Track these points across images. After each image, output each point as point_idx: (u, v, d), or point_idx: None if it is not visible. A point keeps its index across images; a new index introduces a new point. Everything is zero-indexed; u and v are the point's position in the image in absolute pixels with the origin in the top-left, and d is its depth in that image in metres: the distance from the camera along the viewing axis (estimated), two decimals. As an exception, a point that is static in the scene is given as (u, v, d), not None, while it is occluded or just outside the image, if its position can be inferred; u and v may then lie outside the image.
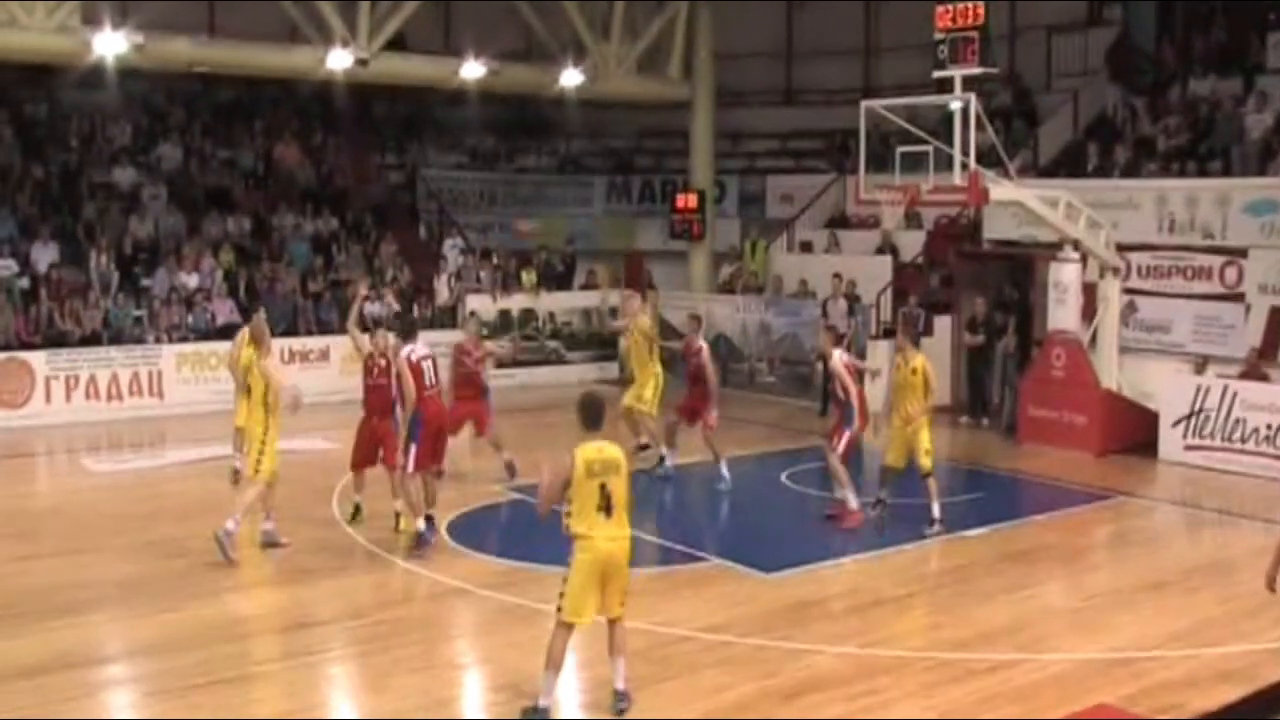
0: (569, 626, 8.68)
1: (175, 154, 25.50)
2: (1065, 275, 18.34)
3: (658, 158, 30.21)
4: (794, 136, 29.00)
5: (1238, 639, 10.37)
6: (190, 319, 21.66)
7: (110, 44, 19.69)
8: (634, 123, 30.22)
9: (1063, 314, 18.42)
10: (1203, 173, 20.52)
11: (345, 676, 10.03)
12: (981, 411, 20.28)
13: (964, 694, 9.26)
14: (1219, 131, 21.14)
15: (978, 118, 16.59)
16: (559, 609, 8.69)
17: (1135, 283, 19.76)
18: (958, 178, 16.70)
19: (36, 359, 19.92)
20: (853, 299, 22.04)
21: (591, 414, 8.90)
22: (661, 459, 16.20)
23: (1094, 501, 15.48)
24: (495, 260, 25.43)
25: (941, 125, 17.59)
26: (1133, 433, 17.86)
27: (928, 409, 13.85)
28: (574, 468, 8.57)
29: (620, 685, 8.86)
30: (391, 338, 13.72)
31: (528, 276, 25.10)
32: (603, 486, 8.59)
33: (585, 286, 26.57)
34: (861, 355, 20.93)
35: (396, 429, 13.42)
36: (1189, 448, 17.13)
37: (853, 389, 14.04)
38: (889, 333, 21.19)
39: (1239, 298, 18.93)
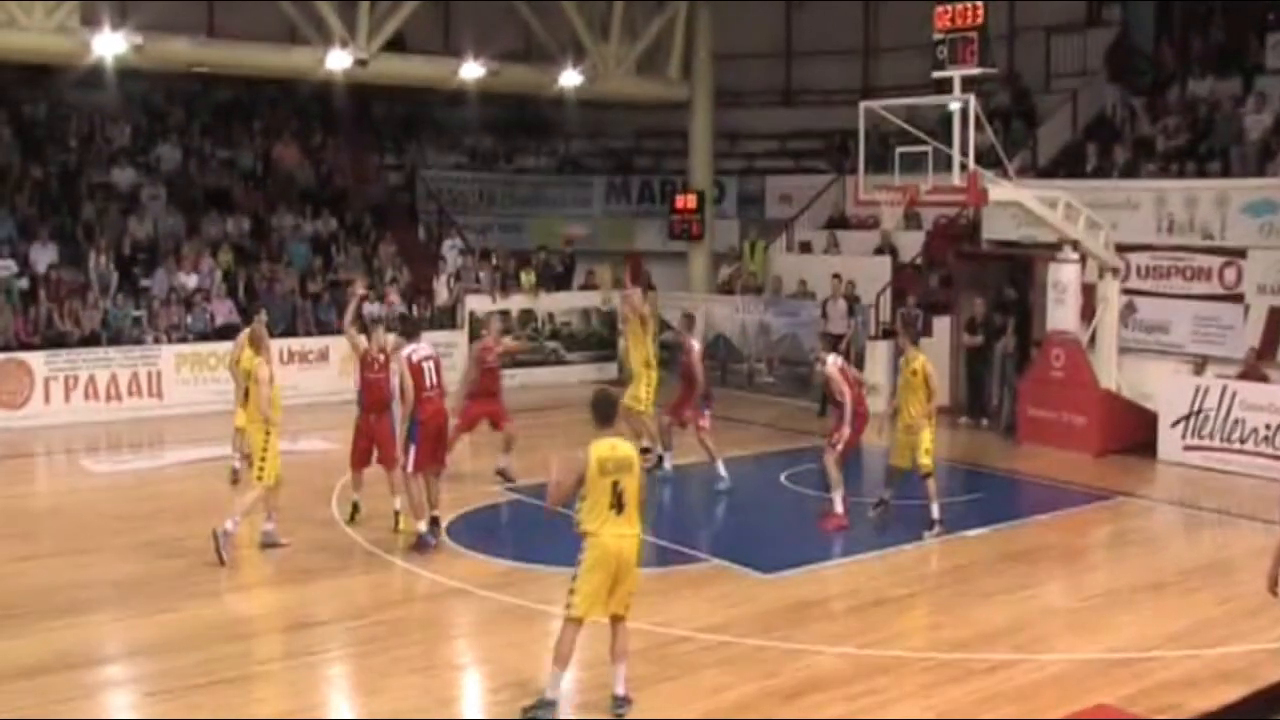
0: (578, 623, 8.71)
1: (174, 154, 25.50)
2: (1064, 276, 18.35)
3: (657, 158, 30.21)
4: (793, 137, 28.98)
5: (1237, 639, 10.38)
6: (189, 319, 21.65)
7: (109, 44, 19.68)
8: (633, 123, 30.23)
9: (1062, 314, 18.43)
10: (1202, 173, 20.53)
11: (345, 677, 10.03)
12: (981, 412, 20.29)
13: (963, 694, 9.27)
14: (1218, 132, 21.15)
15: (977, 118, 16.60)
16: (568, 605, 8.72)
17: (1134, 283, 19.77)
18: (957, 178, 16.71)
19: (36, 359, 19.90)
20: (852, 300, 22.06)
21: (604, 411, 8.97)
22: (660, 460, 16.22)
23: (1093, 502, 15.49)
24: (494, 261, 25.43)
25: (940, 126, 17.61)
26: (1132, 433, 17.87)
27: (930, 410, 13.85)
28: (587, 465, 8.60)
29: (620, 690, 8.87)
30: (392, 337, 13.72)
31: (527, 277, 25.10)
32: (615, 484, 8.63)
33: (584, 287, 26.57)
34: (861, 355, 21.06)
35: (393, 426, 13.44)
36: (1188, 448, 17.15)
37: (848, 393, 14.03)
38: (888, 333, 21.22)
39: (1238, 298, 18.93)
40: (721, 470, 15.83)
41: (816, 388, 20.45)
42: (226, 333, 20.60)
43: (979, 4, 16.70)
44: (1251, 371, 17.52)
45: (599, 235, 29.06)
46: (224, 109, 27.30)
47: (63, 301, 20.87)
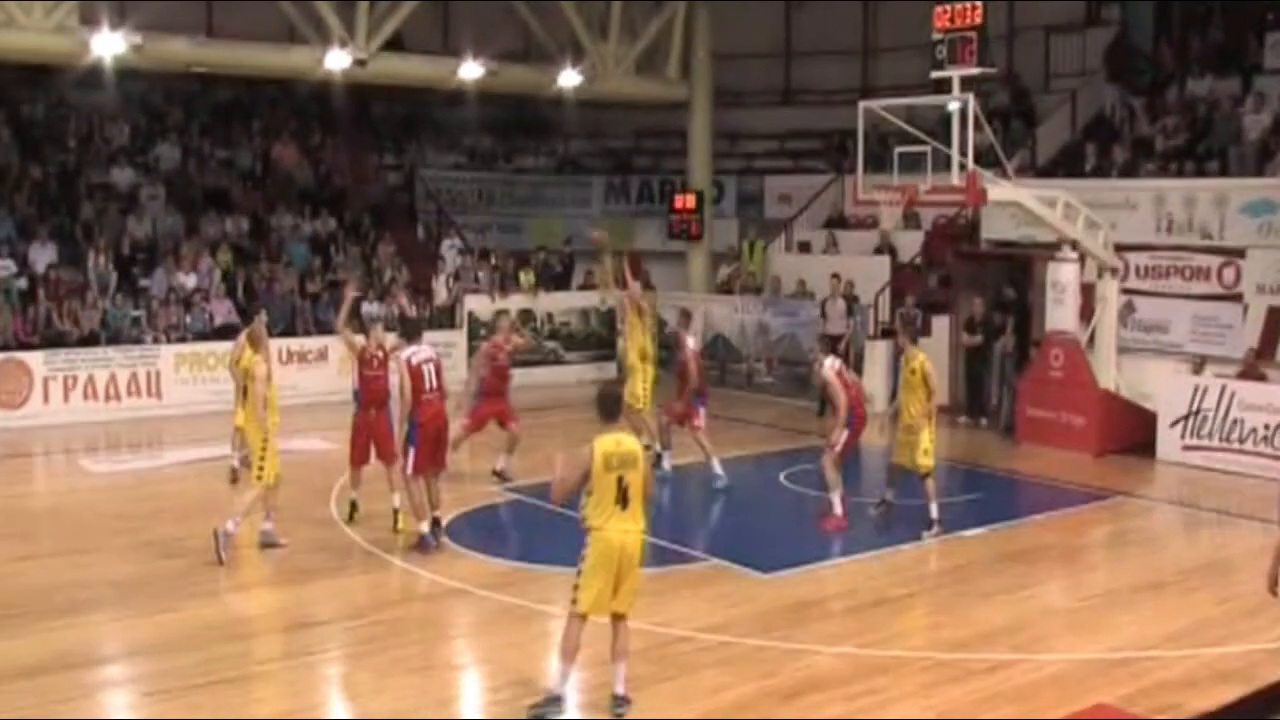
0: (583, 618, 8.75)
1: (173, 154, 25.50)
2: (1063, 275, 18.35)
3: (656, 158, 30.21)
4: (792, 137, 28.98)
5: (1236, 639, 10.38)
6: (188, 319, 21.65)
7: (108, 44, 19.67)
8: (632, 123, 30.23)
9: (1061, 314, 18.43)
10: (1200, 173, 20.53)
11: (344, 677, 10.02)
12: (980, 412, 20.30)
13: (963, 694, 9.28)
14: (1217, 132, 21.16)
15: (976, 118, 16.61)
16: (573, 600, 8.75)
17: (1133, 283, 19.77)
18: (956, 178, 16.70)
19: (34, 359, 19.90)
20: (851, 299, 22.07)
21: (609, 406, 9.00)
22: (659, 459, 16.21)
23: (1092, 502, 15.49)
24: (493, 261, 25.44)
25: (940, 125, 17.61)
26: (1131, 433, 17.88)
27: (929, 409, 13.84)
28: (592, 461, 8.63)
29: (620, 689, 8.87)
30: (392, 337, 13.71)
31: (525, 277, 25.10)
32: (620, 480, 8.66)
33: (583, 287, 26.56)
34: (860, 356, 21.06)
35: (391, 422, 13.45)
36: (1187, 448, 17.15)
37: (842, 396, 14.02)
38: (887, 333, 21.22)
39: (1237, 298, 18.94)
40: (717, 468, 15.85)
41: (815, 388, 20.48)
42: (225, 333, 20.61)
43: (978, 4, 16.70)
44: (1250, 371, 17.53)
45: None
46: (223, 109, 27.30)
47: (62, 301, 20.87)
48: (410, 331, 13.61)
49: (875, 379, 20.66)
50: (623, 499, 8.67)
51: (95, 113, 25.31)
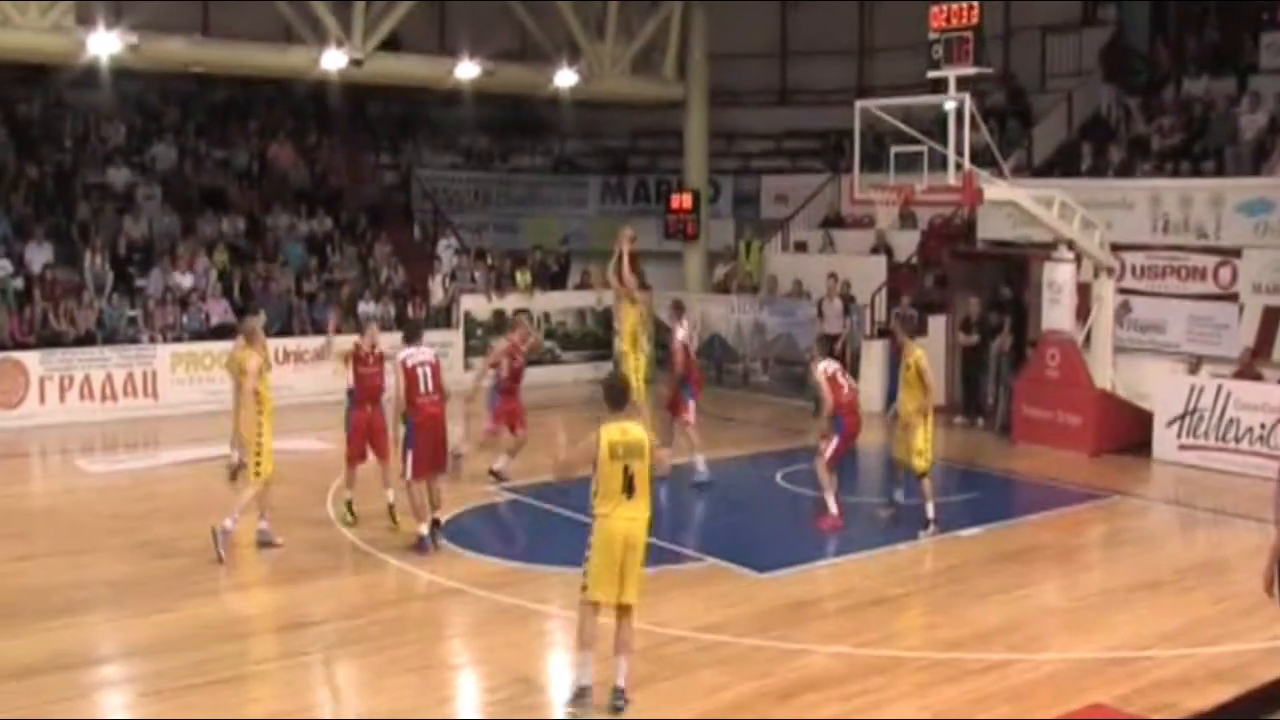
0: (594, 606, 8.83)
1: (170, 154, 25.49)
2: (1059, 275, 18.35)
3: (652, 158, 30.21)
4: (788, 136, 29.01)
5: (1231, 638, 10.39)
6: (185, 319, 21.65)
7: (104, 44, 19.65)
8: (628, 123, 30.24)
9: (1057, 314, 18.43)
10: (1196, 173, 20.54)
11: (341, 676, 10.03)
12: (976, 411, 20.31)
13: (959, 694, 9.28)
14: (1213, 131, 21.17)
15: (972, 118, 16.59)
16: (583, 588, 8.83)
17: (1129, 283, 19.78)
18: (952, 178, 16.69)
19: (31, 359, 19.88)
20: (848, 299, 22.07)
21: (615, 395, 9.09)
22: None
23: (1088, 501, 15.50)
24: (490, 260, 25.44)
25: (936, 125, 17.60)
26: (1127, 432, 17.89)
27: (924, 406, 13.83)
28: (598, 449, 8.69)
29: (621, 682, 8.89)
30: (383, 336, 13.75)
31: (522, 277, 25.10)
32: (626, 469, 8.71)
33: (579, 286, 26.57)
34: (857, 355, 21.06)
35: (386, 420, 13.47)
36: (1183, 447, 17.16)
37: (828, 400, 14.02)
38: (884, 333, 21.22)
39: (1233, 298, 18.95)
40: (700, 464, 15.87)
41: (811, 387, 20.49)
42: (222, 332, 20.63)
43: (974, 4, 16.69)
44: (1246, 371, 17.55)
45: (594, 235, 29.04)
46: (219, 109, 27.29)
47: (58, 301, 20.85)
48: (410, 333, 13.61)
49: (872, 379, 20.66)
50: (629, 488, 8.74)
51: (91, 112, 25.30)
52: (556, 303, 25.38)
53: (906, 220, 23.55)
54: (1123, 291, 19.49)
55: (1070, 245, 18.23)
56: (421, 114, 29.86)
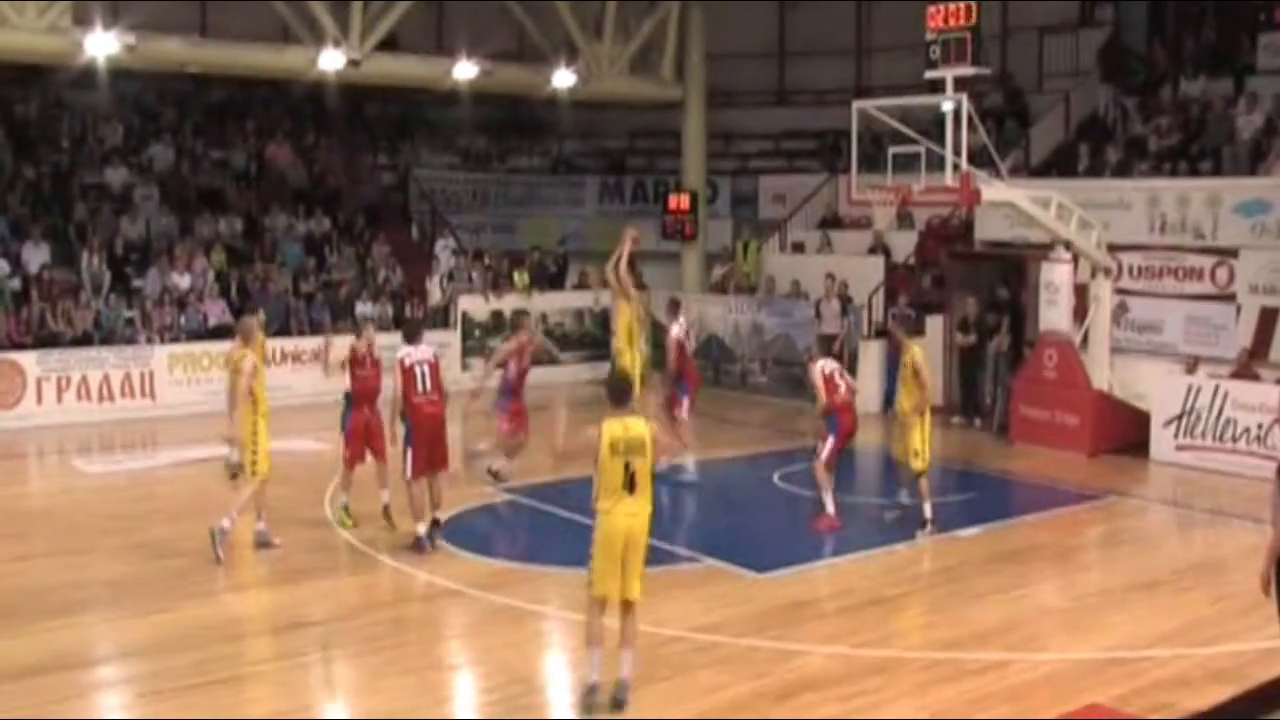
0: (600, 603, 8.88)
1: (167, 154, 25.49)
2: (1057, 276, 18.36)
3: (650, 158, 30.23)
4: (786, 137, 29.03)
5: (1229, 638, 10.40)
6: (182, 320, 21.65)
7: (102, 44, 19.63)
8: (626, 123, 30.25)
9: (1054, 314, 18.44)
10: (1194, 173, 20.57)
11: (339, 677, 10.04)
12: (974, 412, 20.31)
13: (956, 694, 9.28)
14: (1210, 132, 21.20)
15: (969, 118, 16.62)
16: (589, 584, 8.89)
17: (1126, 283, 19.80)
18: (949, 178, 16.71)
19: (28, 360, 19.87)
20: (845, 300, 22.08)
21: (618, 390, 9.20)
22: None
23: (1086, 501, 15.51)
24: (487, 261, 25.44)
25: (933, 126, 17.62)
26: (1124, 433, 17.90)
27: (919, 405, 13.82)
28: (599, 444, 8.74)
29: (624, 675, 8.94)
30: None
31: (520, 277, 25.11)
32: (627, 465, 8.75)
33: (577, 287, 26.57)
34: (854, 356, 21.07)
35: (383, 421, 13.48)
36: (1180, 448, 17.17)
37: (821, 398, 14.05)
38: (881, 333, 21.24)
39: (1230, 298, 18.98)
40: (689, 464, 15.88)
41: (809, 388, 20.51)
42: (219, 333, 20.62)
43: (972, 4, 16.72)
44: (1243, 371, 17.56)
45: (592, 235, 29.06)
46: (217, 109, 27.29)
47: (55, 301, 20.84)
48: (409, 332, 13.61)
49: (869, 379, 20.68)
50: (630, 483, 8.77)
51: (89, 113, 25.31)
52: (554, 303, 25.37)
53: (904, 221, 23.58)
54: (1120, 292, 19.51)
55: (1068, 245, 18.24)
56: (419, 114, 29.86)
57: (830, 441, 14.00)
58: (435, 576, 12.07)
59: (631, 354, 16.56)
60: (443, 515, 13.19)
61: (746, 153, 29.38)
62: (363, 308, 23.04)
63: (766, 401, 22.60)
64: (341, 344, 14.32)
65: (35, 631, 10.49)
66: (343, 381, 13.90)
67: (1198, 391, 17.09)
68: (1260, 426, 16.27)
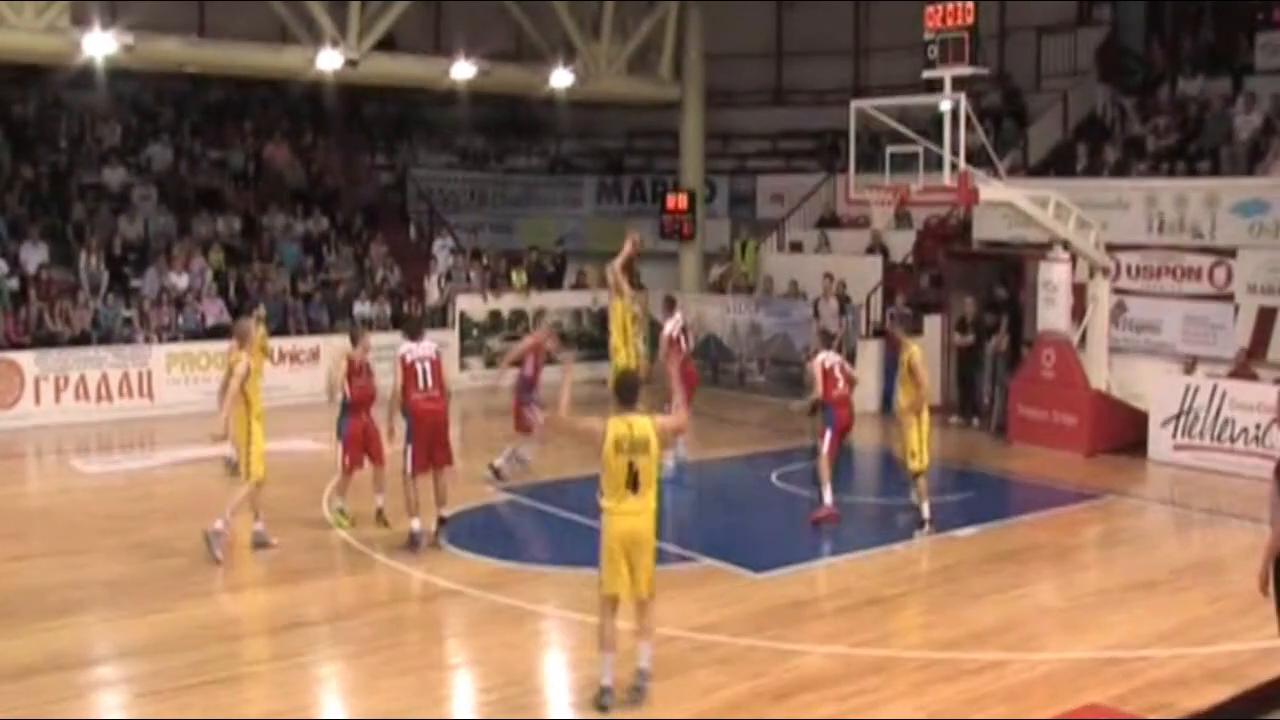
0: (611, 602, 8.88)
1: (165, 154, 25.48)
2: (1055, 275, 18.37)
3: (648, 158, 30.23)
4: (784, 137, 29.03)
5: (1227, 638, 10.40)
6: (180, 319, 21.64)
7: (100, 44, 19.62)
8: (624, 123, 30.25)
9: (1052, 314, 18.46)
10: (1192, 173, 20.58)
11: (337, 677, 10.02)
12: (972, 412, 20.32)
13: (954, 693, 9.28)
14: (1208, 132, 21.20)
15: (967, 118, 16.63)
16: (599, 584, 8.91)
17: (1124, 283, 19.80)
18: (947, 178, 16.73)
19: (25, 359, 19.86)
20: (843, 299, 22.08)
21: (626, 389, 9.22)
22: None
23: (1084, 501, 15.51)
24: (485, 261, 25.44)
25: (931, 125, 17.64)
26: (1122, 433, 17.90)
27: (915, 404, 13.82)
28: (602, 441, 8.76)
29: (643, 664, 9.00)
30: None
31: (518, 277, 25.11)
32: (630, 464, 8.75)
33: (575, 287, 26.57)
34: (852, 356, 21.04)
35: (378, 423, 13.50)
36: (1178, 447, 17.16)
37: (817, 388, 14.10)
38: (879, 333, 21.25)
39: (1228, 298, 18.98)
40: (668, 459, 15.91)
41: (808, 388, 20.50)
42: (217, 333, 20.60)
43: (970, 4, 16.72)
44: (1241, 371, 17.57)
45: (590, 235, 29.08)
46: (215, 109, 27.28)
47: (53, 301, 20.83)
48: (411, 329, 13.63)
49: (867, 379, 20.63)
50: (633, 483, 8.78)
51: (87, 113, 25.30)
52: (552, 303, 25.36)
53: (902, 220, 23.56)
54: (1118, 291, 19.51)
55: (1065, 245, 18.25)
56: (417, 114, 29.86)
57: (828, 436, 14.04)
58: (434, 576, 12.07)
59: (626, 352, 16.62)
60: (448, 513, 13.19)
61: (744, 152, 29.37)
62: (361, 307, 23.05)
63: (764, 401, 22.59)
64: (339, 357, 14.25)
65: (33, 631, 10.49)
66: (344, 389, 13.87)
67: (1196, 391, 17.10)
68: (1258, 426, 16.26)
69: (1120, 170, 21.36)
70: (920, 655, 10.07)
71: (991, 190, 17.43)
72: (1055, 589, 12.31)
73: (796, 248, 25.94)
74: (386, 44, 22.90)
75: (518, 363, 15.92)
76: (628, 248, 16.80)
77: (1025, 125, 24.46)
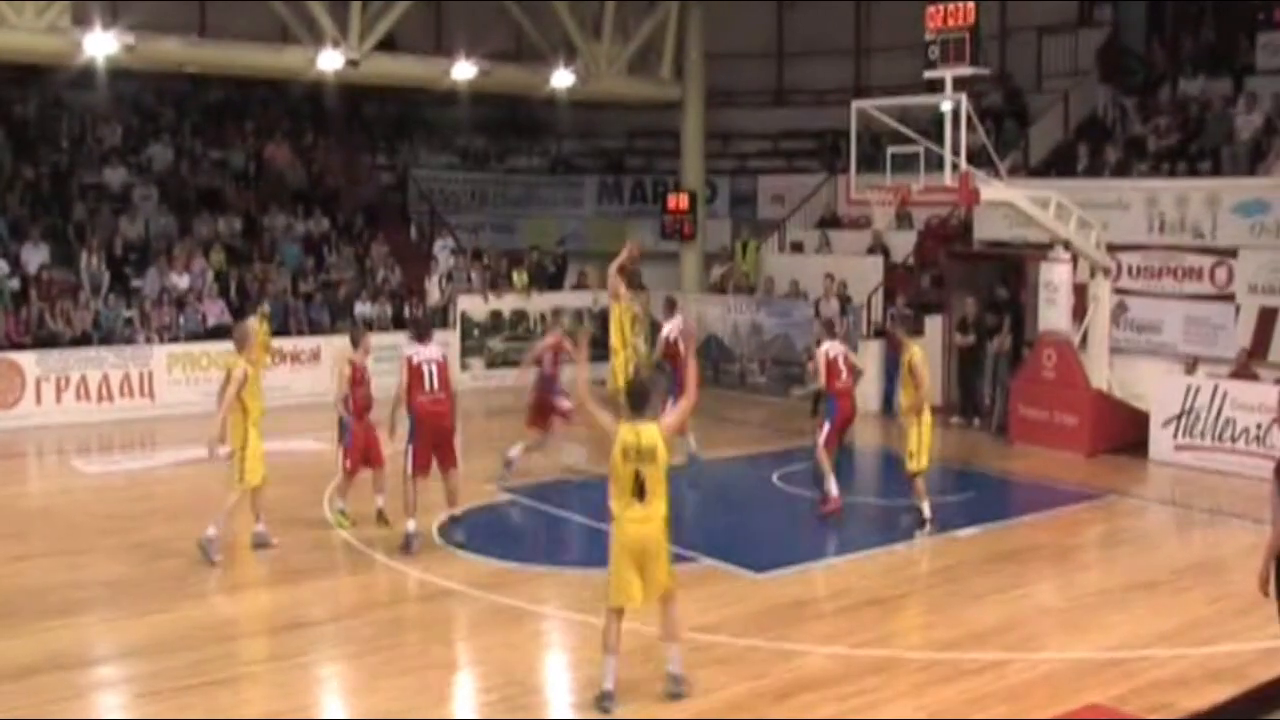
0: (617, 612, 8.87)
1: (166, 154, 25.48)
2: (1056, 276, 18.36)
3: (649, 158, 30.22)
4: (785, 137, 29.03)
5: (1228, 638, 10.39)
6: (181, 320, 21.64)
7: (101, 44, 19.63)
8: (625, 123, 30.24)
9: (1053, 314, 18.44)
10: (1193, 173, 20.56)
11: (336, 677, 10.02)
12: (973, 412, 20.30)
13: (955, 694, 9.27)
14: (1209, 132, 21.19)
15: (968, 118, 16.62)
16: (607, 594, 8.90)
17: (1125, 283, 19.79)
18: (948, 178, 16.72)
19: (27, 360, 19.87)
20: (844, 300, 22.08)
21: (636, 396, 9.18)
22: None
23: (1084, 501, 15.50)
24: (486, 261, 25.43)
25: (932, 125, 17.62)
26: (1123, 433, 17.89)
27: (916, 404, 13.80)
28: (613, 443, 8.79)
29: (673, 669, 9.03)
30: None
31: (519, 277, 25.10)
32: (636, 472, 8.75)
33: (576, 287, 26.55)
34: (853, 356, 21.06)
35: (374, 430, 13.53)
36: (1179, 447, 17.15)
37: (821, 379, 14.14)
38: (880, 334, 21.25)
39: (1229, 298, 18.97)
40: (677, 459, 15.91)
41: (811, 377, 20.49)
42: (218, 333, 20.60)
43: (970, 4, 16.71)
44: (1242, 371, 17.55)
45: (591, 235, 29.07)
46: (215, 109, 27.28)
47: (54, 301, 20.84)
48: (419, 330, 13.63)
49: (868, 379, 20.61)
50: (639, 491, 8.76)
51: (88, 113, 25.30)
52: (553, 303, 25.33)
53: (903, 220, 23.57)
54: (1119, 292, 19.50)
55: (1066, 245, 18.24)
56: (418, 114, 29.85)
57: (827, 426, 14.04)
58: (434, 576, 12.07)
59: (624, 354, 16.65)
60: (442, 515, 13.19)
61: (745, 153, 29.37)
62: (361, 308, 23.05)
63: (765, 401, 22.60)
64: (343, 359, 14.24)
65: (33, 631, 10.49)
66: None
67: (1197, 391, 17.08)
68: (1259, 426, 16.25)
69: (1121, 170, 21.35)
70: (921, 655, 10.06)
71: (992, 190, 17.42)
72: (1056, 589, 12.31)
73: (797, 248, 25.93)
74: (387, 44, 22.90)
75: (538, 361, 16.01)
76: (624, 253, 16.87)
77: (1026, 125, 24.45)
